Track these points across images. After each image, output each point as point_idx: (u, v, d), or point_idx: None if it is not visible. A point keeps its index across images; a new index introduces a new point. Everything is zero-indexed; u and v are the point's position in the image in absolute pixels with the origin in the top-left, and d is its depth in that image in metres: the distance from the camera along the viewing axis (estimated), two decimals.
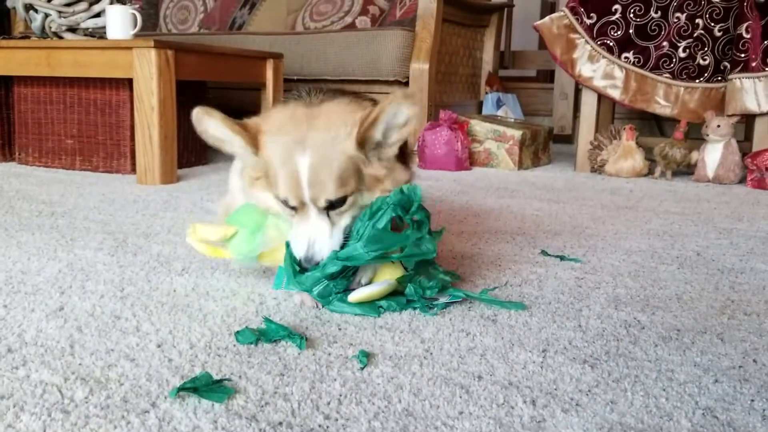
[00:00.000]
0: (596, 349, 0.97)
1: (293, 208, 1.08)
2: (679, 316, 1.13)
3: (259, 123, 1.12)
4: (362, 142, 1.06)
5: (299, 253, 1.09)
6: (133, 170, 2.56)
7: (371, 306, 1.10)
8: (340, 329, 1.03)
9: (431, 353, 0.94)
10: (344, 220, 1.10)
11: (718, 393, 0.84)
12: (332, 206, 1.07)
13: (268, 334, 0.97)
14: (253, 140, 1.09)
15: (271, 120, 1.12)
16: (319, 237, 1.08)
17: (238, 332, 0.98)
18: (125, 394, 0.80)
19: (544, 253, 1.52)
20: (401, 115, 1.06)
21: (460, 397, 0.81)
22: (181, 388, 0.79)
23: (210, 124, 1.09)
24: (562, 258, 1.48)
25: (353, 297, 1.09)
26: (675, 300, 1.21)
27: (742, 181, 2.82)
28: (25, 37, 2.83)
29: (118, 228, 1.68)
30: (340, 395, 0.81)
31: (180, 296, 1.16)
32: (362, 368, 0.89)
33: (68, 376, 0.84)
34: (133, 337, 0.98)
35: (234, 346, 0.95)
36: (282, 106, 1.18)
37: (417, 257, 1.11)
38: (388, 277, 1.14)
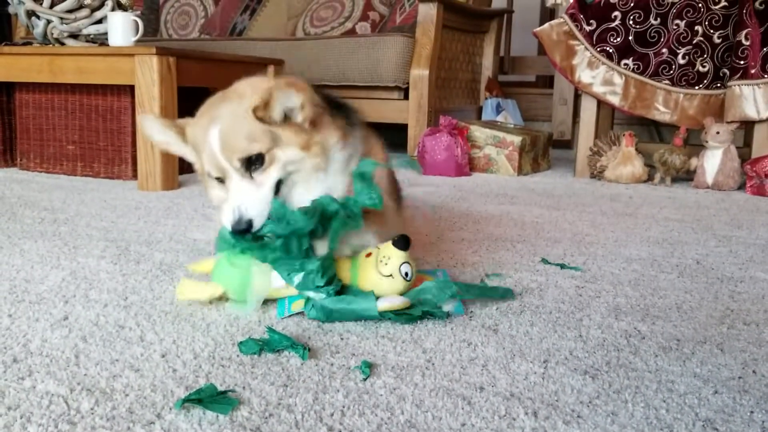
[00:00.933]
0: (597, 359, 0.98)
1: (221, 181, 1.12)
2: (678, 325, 1.14)
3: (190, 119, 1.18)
4: (261, 118, 1.09)
5: (226, 220, 1.09)
6: (135, 176, 2.57)
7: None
8: (342, 339, 1.03)
9: (433, 364, 0.95)
10: (269, 178, 1.10)
11: (718, 404, 0.85)
12: (250, 164, 1.09)
13: (271, 344, 0.98)
14: (184, 133, 1.16)
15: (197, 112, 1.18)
16: (242, 198, 1.08)
17: (241, 342, 0.98)
18: (131, 405, 0.80)
19: (544, 261, 1.53)
20: (293, 100, 1.09)
21: (462, 408, 0.82)
22: (186, 400, 0.80)
23: (150, 127, 1.17)
24: (562, 266, 1.49)
25: (382, 306, 1.09)
26: (675, 309, 1.22)
27: (741, 187, 2.83)
28: (27, 43, 2.84)
29: (120, 235, 1.69)
30: (344, 406, 0.82)
31: (183, 305, 1.17)
32: (365, 379, 0.89)
33: (74, 386, 0.85)
34: (138, 347, 0.98)
35: (237, 356, 0.96)
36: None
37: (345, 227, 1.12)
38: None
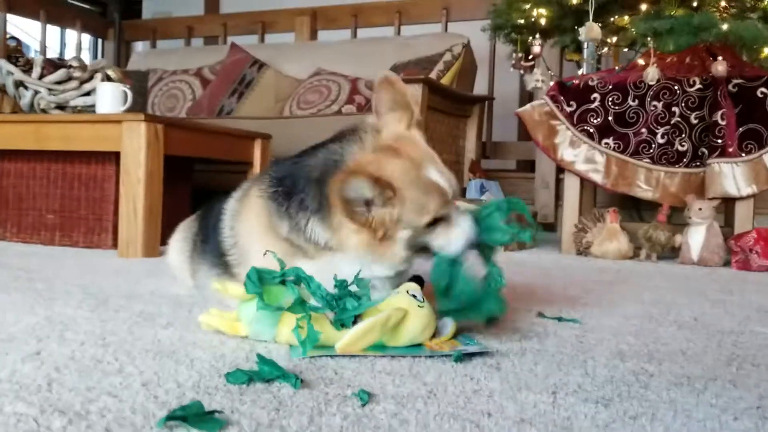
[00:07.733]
0: (607, 392, 0.93)
1: (441, 220, 1.19)
2: (686, 367, 1.09)
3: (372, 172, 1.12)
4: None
5: (462, 238, 1.21)
6: (114, 245, 2.51)
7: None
8: (336, 373, 0.97)
9: (435, 394, 0.89)
10: None
11: (740, 428, 0.80)
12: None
13: (260, 374, 0.91)
14: (386, 188, 1.12)
15: (375, 165, 1.14)
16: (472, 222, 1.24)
17: (228, 373, 0.92)
18: (108, 425, 0.73)
19: (541, 315, 1.49)
20: None
21: (471, 431, 0.76)
22: (170, 417, 0.73)
23: (359, 185, 1.09)
24: (560, 319, 1.45)
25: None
26: (680, 354, 1.18)
27: (727, 264, 2.83)
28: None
29: (100, 290, 1.62)
30: (341, 428, 0.75)
31: (165, 345, 1.10)
32: (363, 405, 0.83)
33: (45, 408, 0.77)
34: (116, 377, 0.91)
35: (224, 385, 0.89)
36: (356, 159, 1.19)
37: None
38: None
